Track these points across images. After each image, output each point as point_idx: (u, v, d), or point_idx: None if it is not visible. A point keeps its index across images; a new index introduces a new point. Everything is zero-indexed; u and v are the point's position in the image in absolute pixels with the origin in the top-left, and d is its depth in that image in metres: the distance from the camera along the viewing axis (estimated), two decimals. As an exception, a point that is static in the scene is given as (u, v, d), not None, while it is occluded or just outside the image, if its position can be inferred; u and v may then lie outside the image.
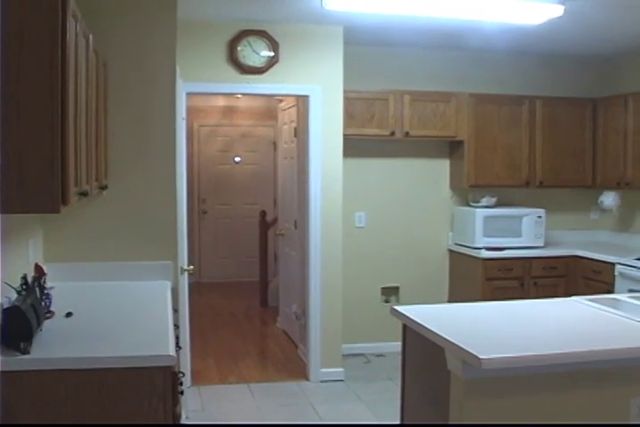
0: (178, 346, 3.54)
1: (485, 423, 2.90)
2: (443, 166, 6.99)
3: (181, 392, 3.11)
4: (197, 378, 5.99)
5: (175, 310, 3.97)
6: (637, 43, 6.47)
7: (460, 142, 6.71)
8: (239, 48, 5.72)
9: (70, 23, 2.74)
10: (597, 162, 6.91)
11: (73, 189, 2.86)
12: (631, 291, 5.46)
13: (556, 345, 3.00)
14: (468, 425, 2.91)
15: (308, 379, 6.10)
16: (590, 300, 3.96)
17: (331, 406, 5.50)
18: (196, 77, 5.63)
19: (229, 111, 10.79)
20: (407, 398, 3.76)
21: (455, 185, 6.94)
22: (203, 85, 5.75)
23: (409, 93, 6.49)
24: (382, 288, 6.93)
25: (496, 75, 7.01)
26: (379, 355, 6.73)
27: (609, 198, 6.85)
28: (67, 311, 3.42)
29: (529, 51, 6.88)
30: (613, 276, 5.97)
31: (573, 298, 4.08)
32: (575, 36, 6.23)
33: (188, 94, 5.62)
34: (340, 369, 6.10)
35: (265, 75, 5.81)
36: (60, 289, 3.74)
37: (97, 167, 3.75)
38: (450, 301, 6.81)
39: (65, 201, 2.70)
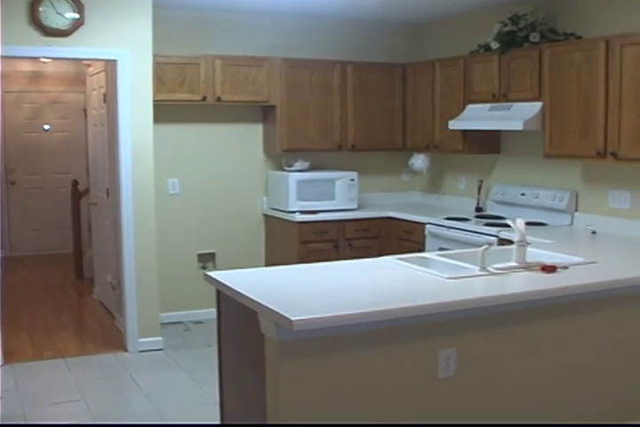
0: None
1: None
2: (256, 131, 6.98)
3: (-14, 370, 2.99)
4: (10, 356, 5.76)
5: (-21, 286, 3.80)
6: (443, 11, 6.67)
7: (273, 107, 6.71)
8: (41, 9, 5.43)
9: None
10: (407, 125, 7.11)
11: None
12: (441, 249, 5.68)
13: (368, 304, 3.07)
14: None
15: (126, 350, 5.99)
16: (401, 259, 4.07)
17: (150, 375, 5.45)
18: (-6, 40, 5.33)
19: (36, 77, 10.32)
20: (225, 363, 3.76)
21: (269, 150, 6.96)
22: (2, 48, 5.43)
23: (220, 58, 6.42)
24: (198, 255, 6.88)
25: (308, 40, 7.05)
26: (197, 322, 6.72)
27: (419, 161, 7.06)
28: None
29: (340, 16, 6.94)
30: (424, 235, 6.18)
31: (385, 258, 4.18)
32: (385, 3, 6.32)
33: (-14, 58, 5.34)
34: (159, 338, 6.03)
35: (70, 38, 5.54)
36: None
37: None
38: (267, 265, 6.84)
39: None
